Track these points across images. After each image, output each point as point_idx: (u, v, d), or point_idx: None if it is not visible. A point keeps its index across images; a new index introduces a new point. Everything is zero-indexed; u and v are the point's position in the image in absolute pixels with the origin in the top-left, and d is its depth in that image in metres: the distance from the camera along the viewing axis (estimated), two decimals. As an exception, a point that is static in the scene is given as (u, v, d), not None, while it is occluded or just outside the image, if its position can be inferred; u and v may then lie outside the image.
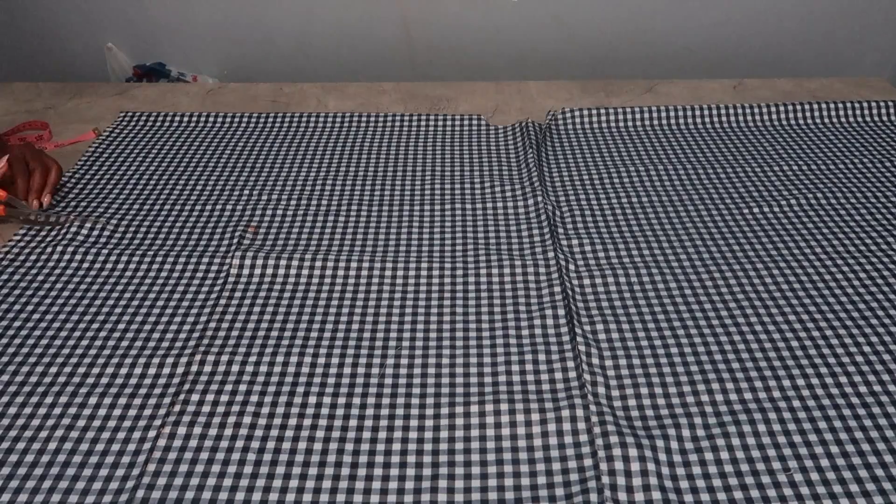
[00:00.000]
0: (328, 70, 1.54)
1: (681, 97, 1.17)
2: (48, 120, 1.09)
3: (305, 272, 0.77)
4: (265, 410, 0.61)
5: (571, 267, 0.78)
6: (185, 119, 1.09)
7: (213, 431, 0.59)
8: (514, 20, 1.48)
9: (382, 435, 0.59)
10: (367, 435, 0.59)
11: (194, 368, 0.65)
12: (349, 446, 0.58)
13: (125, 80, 1.52)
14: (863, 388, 0.63)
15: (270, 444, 0.58)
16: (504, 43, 1.51)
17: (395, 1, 1.46)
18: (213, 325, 0.70)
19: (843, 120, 1.09)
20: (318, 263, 0.78)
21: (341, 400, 0.62)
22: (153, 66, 1.51)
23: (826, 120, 1.09)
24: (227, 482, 0.55)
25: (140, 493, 0.54)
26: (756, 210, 0.88)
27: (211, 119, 1.09)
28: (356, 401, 0.62)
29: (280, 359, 0.66)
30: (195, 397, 0.62)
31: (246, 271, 0.77)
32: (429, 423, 0.60)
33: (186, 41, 1.52)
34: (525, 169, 0.96)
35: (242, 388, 0.63)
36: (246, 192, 0.92)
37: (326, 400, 0.62)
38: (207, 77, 1.52)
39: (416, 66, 1.55)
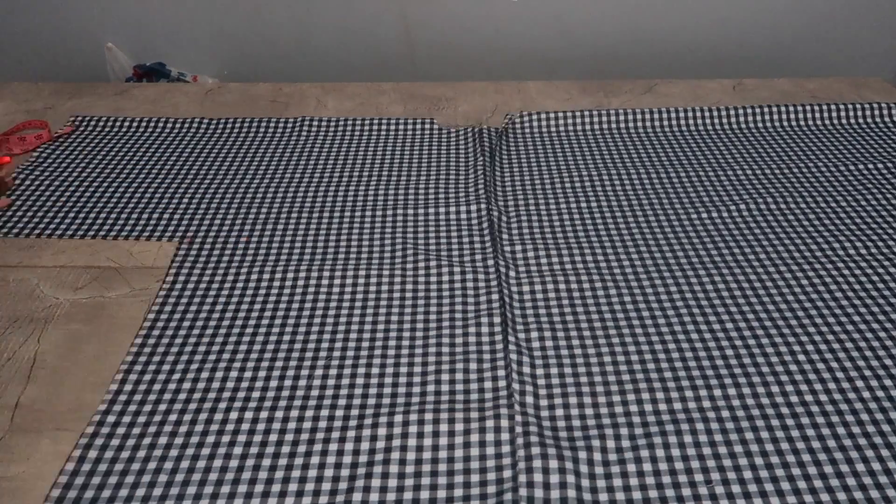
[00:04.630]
0: (328, 70, 1.54)
1: (680, 97, 1.17)
2: (48, 120, 1.09)
3: (241, 283, 0.76)
4: (196, 427, 0.60)
5: (512, 274, 0.76)
6: (136, 124, 1.07)
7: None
8: (514, 20, 1.48)
9: (302, 449, 0.58)
10: (286, 449, 0.58)
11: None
12: (266, 462, 0.57)
13: (125, 80, 1.52)
14: (794, 398, 0.62)
15: (204, 451, 0.58)
16: (504, 43, 1.51)
17: (396, 1, 1.46)
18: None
19: (826, 122, 1.07)
20: (250, 271, 0.77)
21: (263, 414, 0.61)
22: (153, 66, 1.51)
23: (803, 122, 1.07)
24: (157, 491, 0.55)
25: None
26: (696, 216, 0.86)
27: (162, 124, 1.07)
28: (279, 414, 0.61)
29: (220, 375, 0.65)
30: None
31: (170, 279, 0.76)
32: (350, 433, 0.59)
33: (186, 41, 1.52)
34: (473, 174, 0.94)
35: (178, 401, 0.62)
36: (185, 199, 0.89)
37: (248, 415, 0.61)
38: (207, 77, 1.52)
39: (416, 66, 1.55)
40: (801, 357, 0.66)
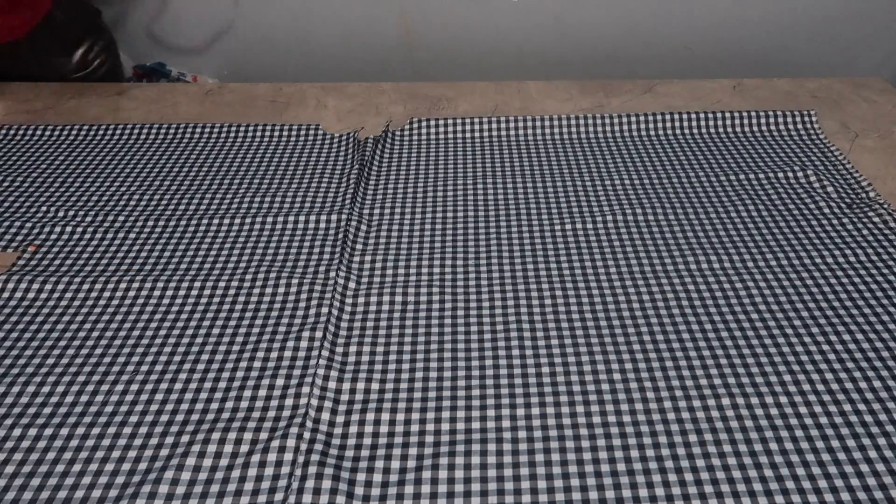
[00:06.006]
0: (328, 70, 1.54)
1: (680, 97, 1.17)
2: (48, 120, 1.09)
3: (70, 293, 0.74)
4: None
5: (352, 285, 0.75)
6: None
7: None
8: (514, 20, 1.48)
9: (76, 468, 0.56)
10: (58, 468, 0.56)
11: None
12: (56, 467, 0.56)
13: (125, 80, 1.52)
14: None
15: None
16: (504, 43, 1.51)
17: (396, 1, 1.46)
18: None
19: (754, 130, 1.05)
20: (83, 281, 0.75)
21: (53, 432, 0.60)
22: (153, 66, 1.51)
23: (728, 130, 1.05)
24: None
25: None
26: (567, 226, 0.84)
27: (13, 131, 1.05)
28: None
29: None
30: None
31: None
32: (131, 454, 0.57)
33: (186, 41, 1.52)
34: (346, 182, 0.92)
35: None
36: (35, 209, 0.87)
37: (36, 432, 0.60)
38: (207, 77, 1.52)
39: (416, 66, 1.55)
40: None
